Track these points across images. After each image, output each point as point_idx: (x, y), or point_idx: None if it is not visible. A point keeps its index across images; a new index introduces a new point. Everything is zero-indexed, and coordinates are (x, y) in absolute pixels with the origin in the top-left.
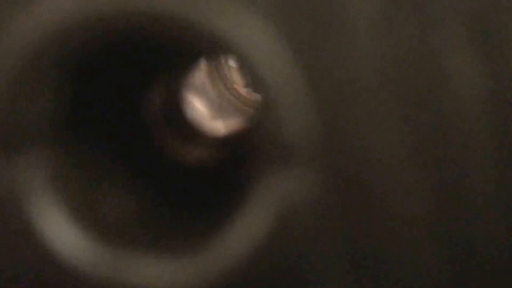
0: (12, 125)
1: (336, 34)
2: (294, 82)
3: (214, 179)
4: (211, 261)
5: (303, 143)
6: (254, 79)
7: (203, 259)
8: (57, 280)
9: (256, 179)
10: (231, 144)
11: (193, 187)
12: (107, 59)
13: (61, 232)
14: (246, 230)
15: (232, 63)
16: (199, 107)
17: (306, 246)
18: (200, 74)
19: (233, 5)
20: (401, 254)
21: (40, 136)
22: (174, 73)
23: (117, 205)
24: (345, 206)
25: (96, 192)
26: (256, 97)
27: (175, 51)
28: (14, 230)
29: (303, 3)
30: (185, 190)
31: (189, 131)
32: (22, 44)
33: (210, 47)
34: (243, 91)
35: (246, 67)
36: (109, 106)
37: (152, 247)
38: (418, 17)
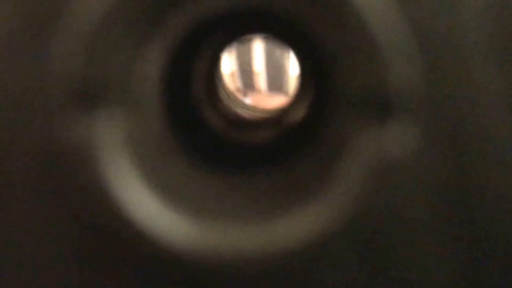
0: (92, 77)
1: None
2: (396, 24)
3: (301, 136)
4: (311, 218)
5: (404, 93)
6: (349, 19)
7: (303, 216)
8: (132, 246)
9: (349, 134)
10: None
11: (277, 146)
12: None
13: (137, 197)
14: (340, 192)
15: (223, 69)
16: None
17: (402, 204)
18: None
19: None
20: (499, 213)
21: (120, 92)
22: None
23: (189, 174)
24: (445, 163)
25: (167, 160)
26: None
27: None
28: (86, 191)
29: None
30: (261, 161)
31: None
32: (98, 7)
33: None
34: (239, 95)
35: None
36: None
37: (241, 210)
38: None
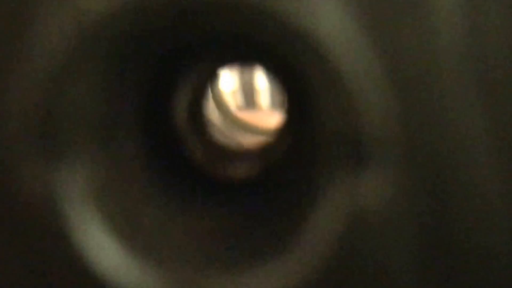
0: (53, 127)
1: (416, 19)
2: (372, 73)
3: (279, 177)
4: (283, 272)
5: (379, 141)
6: (324, 62)
7: (274, 270)
8: None
9: (325, 181)
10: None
11: (250, 196)
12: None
13: (102, 247)
14: (315, 241)
15: (224, 87)
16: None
17: (379, 255)
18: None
19: None
20: (477, 260)
21: (81, 140)
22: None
23: (160, 218)
24: (424, 211)
25: (138, 205)
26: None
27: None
28: (50, 245)
29: None
30: (242, 199)
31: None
32: (60, 44)
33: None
34: (239, 114)
35: (319, 47)
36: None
37: (213, 261)
38: None
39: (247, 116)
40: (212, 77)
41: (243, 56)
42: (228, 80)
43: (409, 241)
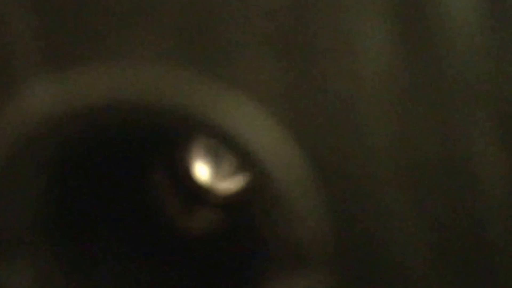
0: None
1: (345, 123)
2: (303, 176)
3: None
4: None
5: (314, 244)
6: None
7: None
8: None
9: (264, 282)
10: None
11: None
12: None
13: None
14: None
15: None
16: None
17: None
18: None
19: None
20: None
21: (26, 240)
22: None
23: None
24: None
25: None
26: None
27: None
28: None
29: (307, 90)
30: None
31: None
32: (4, 142)
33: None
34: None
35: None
36: (105, 202)
37: None
38: (435, 99)
39: None
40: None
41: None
42: None
43: None
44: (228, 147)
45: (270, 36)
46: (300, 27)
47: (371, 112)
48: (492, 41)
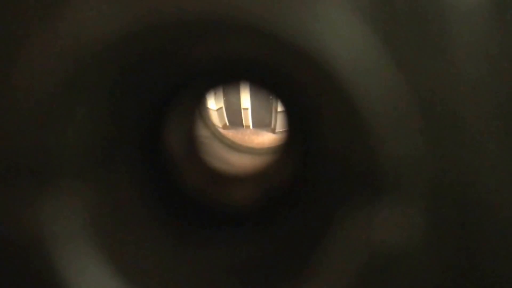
0: (44, 153)
1: (439, 45)
2: (394, 98)
3: (285, 203)
4: None
5: (399, 172)
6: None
7: None
8: None
9: (338, 213)
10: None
11: (251, 230)
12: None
13: (99, 283)
14: (329, 278)
15: (211, 105)
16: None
17: None
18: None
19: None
20: None
21: (74, 169)
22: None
23: (159, 250)
24: (450, 255)
25: (135, 237)
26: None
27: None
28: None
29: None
30: (243, 229)
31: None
32: (56, 66)
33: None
34: (225, 132)
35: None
36: (137, 139)
37: None
38: None
39: (232, 135)
40: (204, 98)
41: (245, 77)
42: (214, 99)
43: (432, 280)
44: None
45: None
46: None
47: (461, 30)
48: None
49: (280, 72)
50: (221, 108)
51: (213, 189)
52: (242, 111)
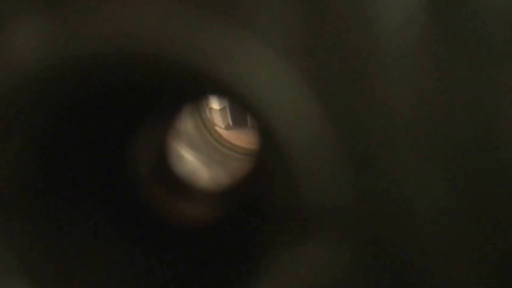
0: None
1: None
2: (323, 141)
3: (217, 245)
4: None
5: (326, 211)
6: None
7: None
8: None
9: (268, 253)
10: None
11: (193, 252)
12: (87, 106)
13: None
14: None
15: (214, 105)
16: (188, 158)
17: None
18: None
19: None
20: None
21: (5, 205)
22: (162, 118)
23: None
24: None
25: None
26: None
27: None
28: None
29: (329, 39)
30: (185, 255)
31: (181, 186)
32: None
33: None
34: (224, 133)
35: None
36: (90, 163)
37: None
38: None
39: (235, 135)
40: (175, 116)
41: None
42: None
43: None
44: (238, 102)
45: None
46: None
47: (392, 68)
48: None
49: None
50: (224, 107)
51: (173, 205)
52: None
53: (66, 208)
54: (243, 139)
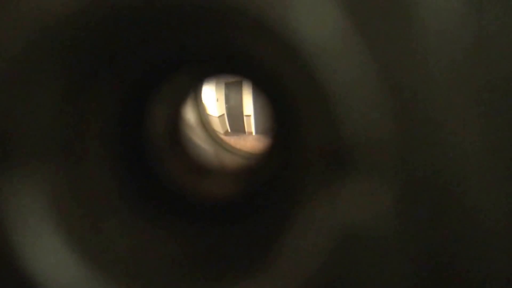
0: (7, 132)
1: (412, 31)
2: (363, 74)
3: (264, 195)
4: None
5: (367, 148)
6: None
7: None
8: None
9: (305, 196)
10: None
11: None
12: (112, 67)
13: (59, 262)
14: (294, 261)
15: (212, 112)
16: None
17: (368, 273)
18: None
19: None
20: (475, 277)
21: (40, 149)
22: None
23: (127, 234)
24: (423, 232)
25: (103, 220)
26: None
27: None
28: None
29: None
30: (218, 220)
31: (197, 164)
32: (17, 44)
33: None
34: (226, 138)
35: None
36: (114, 122)
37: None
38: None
39: (234, 141)
40: (193, 90)
41: (226, 69)
42: (216, 105)
43: (401, 262)
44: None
45: None
46: None
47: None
48: None
49: (253, 58)
50: (223, 115)
51: (192, 180)
52: (245, 117)
53: (89, 163)
54: (241, 144)
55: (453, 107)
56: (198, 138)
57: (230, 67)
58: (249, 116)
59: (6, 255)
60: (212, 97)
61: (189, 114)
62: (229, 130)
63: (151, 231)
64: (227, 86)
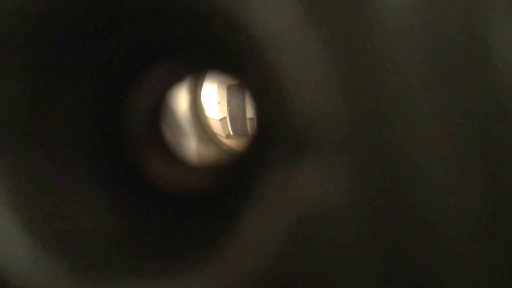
0: None
1: (367, 14)
2: (316, 58)
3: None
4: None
5: (319, 127)
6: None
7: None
8: None
9: (266, 179)
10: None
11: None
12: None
13: (14, 247)
14: (258, 242)
15: (214, 115)
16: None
17: (329, 257)
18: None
19: None
20: (439, 264)
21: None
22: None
23: (92, 222)
24: (377, 207)
25: (63, 203)
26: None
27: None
28: None
29: None
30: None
31: (174, 156)
32: None
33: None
34: (228, 142)
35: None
36: (89, 107)
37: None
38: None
39: (236, 144)
40: (172, 84)
41: (198, 61)
42: (218, 108)
43: (359, 238)
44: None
45: None
46: None
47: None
48: None
49: (219, 48)
50: (224, 117)
51: (169, 171)
52: (247, 120)
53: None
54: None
55: (407, 86)
56: (190, 136)
57: (202, 59)
58: (252, 119)
59: None
60: (213, 99)
61: (184, 112)
62: (231, 133)
63: (119, 219)
64: (229, 88)
